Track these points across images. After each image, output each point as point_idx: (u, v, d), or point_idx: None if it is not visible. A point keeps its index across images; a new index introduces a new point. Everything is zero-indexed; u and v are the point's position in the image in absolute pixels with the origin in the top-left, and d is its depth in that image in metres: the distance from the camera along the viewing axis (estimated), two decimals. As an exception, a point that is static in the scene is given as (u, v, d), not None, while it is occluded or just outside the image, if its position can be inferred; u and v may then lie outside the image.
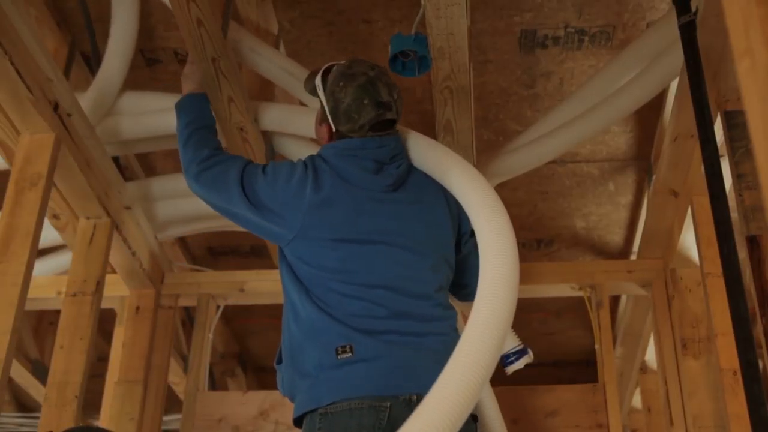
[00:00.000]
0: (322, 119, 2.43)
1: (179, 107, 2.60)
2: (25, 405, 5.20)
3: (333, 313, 2.14)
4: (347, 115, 2.33)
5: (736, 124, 2.51)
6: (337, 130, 2.38)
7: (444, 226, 2.36)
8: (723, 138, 2.54)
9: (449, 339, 2.13)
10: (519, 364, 3.12)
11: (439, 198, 2.38)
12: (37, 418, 2.91)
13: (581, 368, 5.12)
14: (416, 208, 2.34)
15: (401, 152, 2.39)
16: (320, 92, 2.41)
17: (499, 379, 3.03)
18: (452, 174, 2.34)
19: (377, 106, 2.32)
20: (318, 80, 2.42)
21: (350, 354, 2.07)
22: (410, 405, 1.96)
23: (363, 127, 2.33)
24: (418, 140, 2.49)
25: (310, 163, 2.33)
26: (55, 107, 2.69)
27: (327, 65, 2.45)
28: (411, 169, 2.42)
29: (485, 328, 1.85)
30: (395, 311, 2.15)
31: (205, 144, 2.46)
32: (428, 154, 2.45)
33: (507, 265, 1.97)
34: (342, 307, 2.15)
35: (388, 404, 2.01)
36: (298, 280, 2.24)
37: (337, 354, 2.08)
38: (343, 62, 2.43)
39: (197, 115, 2.57)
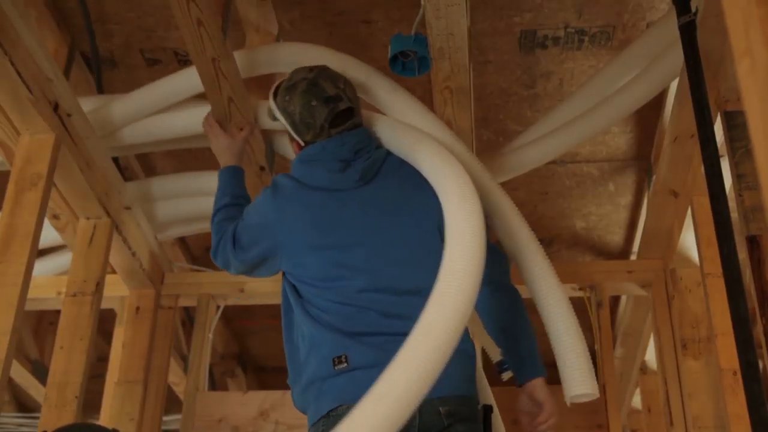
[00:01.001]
0: (290, 139, 2.49)
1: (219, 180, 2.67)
2: (25, 405, 5.20)
3: (327, 324, 2.15)
4: (303, 122, 2.38)
5: (736, 124, 2.51)
6: (305, 142, 2.41)
7: (428, 210, 2.28)
8: (723, 138, 2.54)
9: None
10: (515, 371, 3.13)
11: (422, 180, 2.33)
12: (37, 418, 2.91)
13: (581, 368, 5.11)
14: (395, 196, 2.32)
15: (367, 144, 2.38)
16: (277, 114, 2.46)
17: (498, 380, 3.04)
18: (421, 155, 2.36)
19: (326, 102, 2.36)
20: (271, 103, 2.48)
21: (346, 364, 2.08)
22: None
23: (323, 128, 2.36)
24: (385, 124, 2.50)
25: (271, 185, 2.40)
26: (55, 107, 2.69)
27: (273, 87, 2.50)
28: (387, 156, 2.42)
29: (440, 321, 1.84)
30: (384, 312, 2.14)
31: (224, 225, 2.50)
32: (395, 138, 2.48)
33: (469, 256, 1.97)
34: (335, 316, 2.16)
35: None
36: (297, 297, 2.26)
37: (334, 365, 2.09)
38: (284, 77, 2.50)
39: (229, 191, 2.61)
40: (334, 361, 2.09)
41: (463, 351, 2.16)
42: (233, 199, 2.56)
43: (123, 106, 3.00)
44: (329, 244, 2.23)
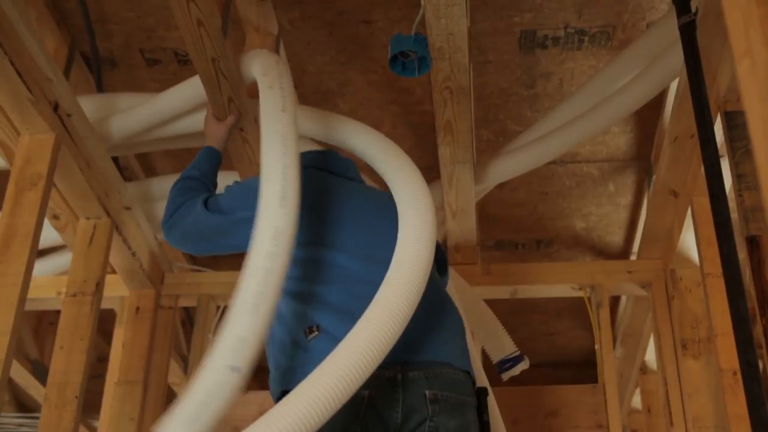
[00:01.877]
0: None
1: (201, 157, 2.65)
2: (25, 405, 5.20)
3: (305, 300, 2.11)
4: None
5: (735, 124, 2.51)
6: None
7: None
8: (723, 138, 2.54)
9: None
10: (515, 371, 3.13)
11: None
12: (37, 418, 2.91)
13: (581, 369, 5.11)
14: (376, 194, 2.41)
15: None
16: None
17: (499, 379, 3.04)
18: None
19: None
20: None
21: (317, 333, 2.01)
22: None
23: None
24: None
25: None
26: (55, 107, 2.69)
27: None
28: None
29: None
30: (360, 279, 2.10)
31: (190, 193, 2.45)
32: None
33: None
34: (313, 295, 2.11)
35: None
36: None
37: (306, 336, 2.01)
38: None
39: (199, 167, 2.59)
40: (305, 331, 2.03)
41: (453, 320, 2.18)
42: (201, 176, 2.53)
43: (122, 121, 3.00)
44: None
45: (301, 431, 1.64)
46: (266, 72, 2.59)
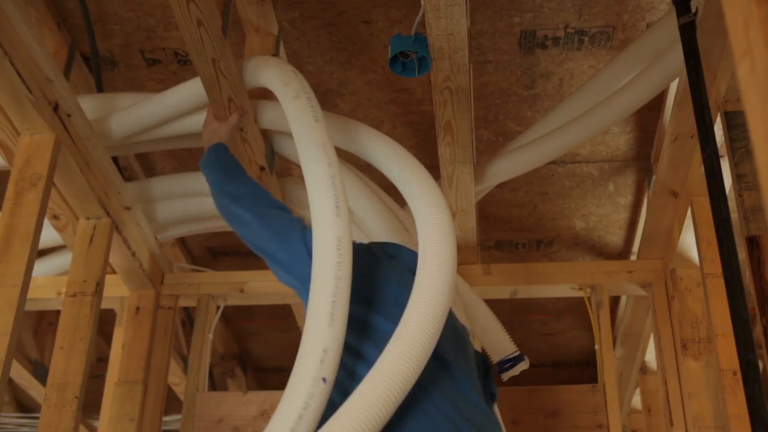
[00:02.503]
0: None
1: (212, 153, 2.62)
2: (25, 405, 5.20)
3: None
4: None
5: (735, 124, 2.51)
6: None
7: None
8: (723, 138, 2.54)
9: None
10: (515, 371, 3.13)
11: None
12: (37, 418, 2.91)
13: (581, 369, 5.12)
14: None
15: None
16: None
17: (499, 379, 3.04)
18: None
19: None
20: None
21: None
22: None
23: None
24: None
25: None
26: (55, 108, 2.69)
27: None
28: None
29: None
30: None
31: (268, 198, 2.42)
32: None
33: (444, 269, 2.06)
34: None
35: None
36: None
37: None
38: None
39: (233, 161, 2.59)
40: None
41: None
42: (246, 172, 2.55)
43: (122, 121, 3.00)
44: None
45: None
46: (287, 82, 2.60)
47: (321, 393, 1.81)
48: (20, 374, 4.48)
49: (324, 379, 1.83)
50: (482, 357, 2.25)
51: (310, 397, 1.79)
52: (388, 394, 1.77)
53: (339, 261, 2.01)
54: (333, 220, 2.09)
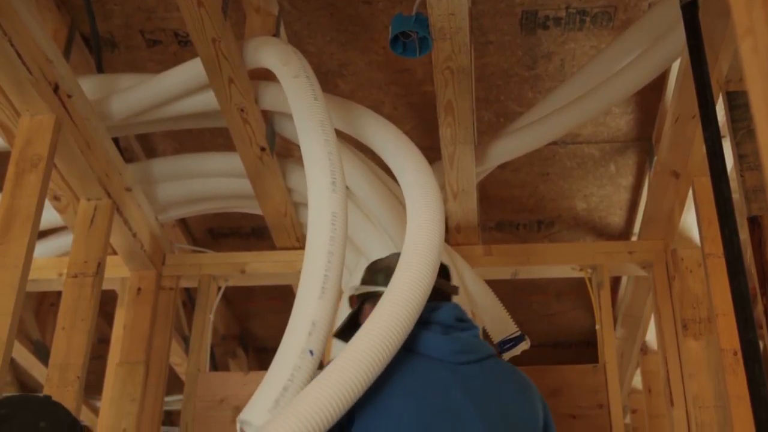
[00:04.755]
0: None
1: None
2: (27, 386, 5.22)
3: None
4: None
5: (737, 104, 2.50)
6: None
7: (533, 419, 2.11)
8: (724, 119, 2.54)
9: None
10: (516, 351, 3.15)
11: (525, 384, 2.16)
12: (40, 399, 2.91)
13: (582, 349, 5.13)
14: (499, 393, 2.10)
15: (467, 319, 2.17)
16: (365, 288, 2.25)
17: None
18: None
19: None
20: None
21: None
22: None
23: None
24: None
25: None
26: (56, 88, 2.68)
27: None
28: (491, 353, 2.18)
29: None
30: None
31: None
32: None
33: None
34: None
35: None
36: None
37: None
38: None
39: None
40: None
41: None
42: None
43: (123, 101, 3.00)
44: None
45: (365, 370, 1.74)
46: (287, 62, 2.61)
47: (307, 365, 1.81)
48: (22, 355, 4.50)
49: (311, 352, 1.83)
50: None
51: (296, 369, 1.79)
52: (363, 371, 1.77)
53: (332, 236, 2.01)
54: (329, 195, 2.10)
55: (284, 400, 1.76)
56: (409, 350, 1.97)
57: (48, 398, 1.93)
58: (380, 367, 1.80)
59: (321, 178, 2.15)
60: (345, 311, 2.79)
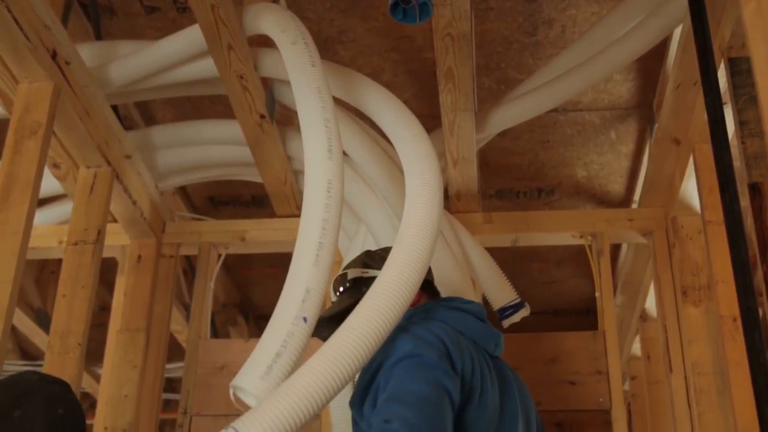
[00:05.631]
0: None
1: None
2: (28, 353, 5.24)
3: None
4: None
5: (739, 71, 2.48)
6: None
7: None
8: (726, 85, 2.53)
9: None
10: (516, 317, 3.15)
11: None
12: (41, 365, 2.93)
13: (581, 317, 5.15)
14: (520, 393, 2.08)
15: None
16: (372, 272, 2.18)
17: (498, 327, 3.05)
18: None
19: None
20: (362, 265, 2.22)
21: None
22: None
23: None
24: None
25: (421, 326, 1.95)
26: (54, 55, 2.67)
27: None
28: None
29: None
30: None
31: None
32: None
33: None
34: None
35: None
36: None
37: None
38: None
39: None
40: None
41: None
42: None
43: (122, 68, 2.98)
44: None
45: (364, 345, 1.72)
46: (285, 28, 2.59)
47: (301, 332, 1.80)
48: (23, 322, 4.51)
49: (305, 319, 1.82)
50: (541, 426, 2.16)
51: (289, 336, 1.78)
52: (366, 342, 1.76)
53: (328, 203, 2.01)
54: (325, 162, 2.09)
55: (277, 366, 1.75)
56: (459, 332, 1.97)
57: (34, 381, 1.82)
58: (380, 341, 1.79)
59: (317, 145, 2.14)
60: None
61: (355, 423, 1.89)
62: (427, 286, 2.20)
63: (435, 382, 1.73)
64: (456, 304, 2.08)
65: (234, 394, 1.78)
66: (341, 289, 2.21)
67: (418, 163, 2.22)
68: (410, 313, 2.04)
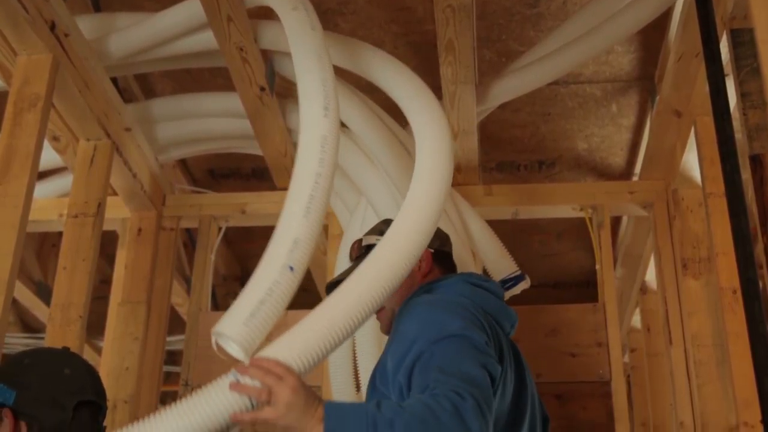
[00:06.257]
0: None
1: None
2: (30, 326, 5.26)
3: None
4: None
5: (742, 42, 2.47)
6: (434, 250, 2.14)
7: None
8: (728, 57, 2.51)
9: None
10: (516, 290, 3.16)
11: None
12: (43, 338, 2.94)
13: (582, 289, 5.15)
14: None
15: None
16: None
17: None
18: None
19: None
20: (378, 233, 2.16)
21: None
22: None
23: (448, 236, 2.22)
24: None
25: (445, 300, 1.94)
26: (52, 27, 2.66)
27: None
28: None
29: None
30: None
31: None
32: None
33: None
34: None
35: None
36: None
37: None
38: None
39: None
40: None
41: None
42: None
43: (121, 41, 2.97)
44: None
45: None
46: None
47: (287, 281, 1.80)
48: (25, 295, 4.52)
49: (291, 268, 1.82)
50: (544, 410, 2.13)
51: (275, 284, 1.78)
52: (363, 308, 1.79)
53: (322, 158, 2.01)
54: (320, 119, 2.10)
55: (260, 313, 1.74)
56: (486, 312, 1.96)
57: (67, 349, 1.97)
58: (378, 304, 1.81)
59: (313, 103, 2.14)
60: (343, 261, 2.79)
61: (374, 388, 1.88)
62: (444, 257, 2.18)
63: (485, 366, 1.72)
64: (478, 281, 2.06)
65: (216, 342, 1.75)
66: (357, 255, 2.21)
67: (430, 131, 2.22)
68: (429, 285, 2.04)
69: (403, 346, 1.78)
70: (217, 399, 1.65)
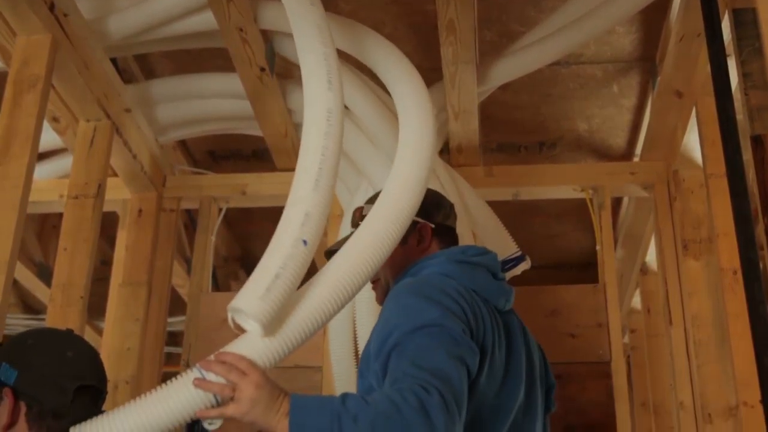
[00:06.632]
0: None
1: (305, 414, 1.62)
2: (31, 307, 5.27)
3: None
4: (432, 202, 2.13)
5: (743, 21, 2.46)
6: (435, 224, 2.12)
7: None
8: (730, 37, 2.51)
9: None
10: (516, 271, 3.15)
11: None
12: (44, 319, 2.94)
13: (582, 270, 5.15)
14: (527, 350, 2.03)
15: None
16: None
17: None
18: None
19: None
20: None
21: None
22: None
23: (452, 208, 2.19)
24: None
25: (433, 279, 1.92)
26: (51, 7, 2.65)
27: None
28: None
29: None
30: None
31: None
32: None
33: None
34: None
35: None
36: None
37: None
38: None
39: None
40: None
41: None
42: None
43: (120, 21, 2.96)
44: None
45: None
46: None
47: (300, 254, 1.80)
48: (25, 276, 4.52)
49: (305, 242, 1.82)
50: (551, 378, 2.12)
51: (288, 258, 1.78)
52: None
53: (328, 131, 2.01)
54: (324, 93, 2.10)
55: (276, 287, 1.74)
56: (472, 291, 1.94)
57: (70, 331, 1.97)
58: (374, 270, 1.84)
59: (317, 78, 2.14)
60: (346, 229, 2.79)
61: (362, 375, 1.89)
62: (446, 231, 2.16)
63: (460, 358, 1.71)
64: (465, 256, 2.03)
65: (232, 319, 1.76)
66: (357, 223, 2.21)
67: (414, 117, 2.22)
68: (420, 264, 2.02)
69: (384, 332, 1.78)
70: (181, 395, 1.65)
